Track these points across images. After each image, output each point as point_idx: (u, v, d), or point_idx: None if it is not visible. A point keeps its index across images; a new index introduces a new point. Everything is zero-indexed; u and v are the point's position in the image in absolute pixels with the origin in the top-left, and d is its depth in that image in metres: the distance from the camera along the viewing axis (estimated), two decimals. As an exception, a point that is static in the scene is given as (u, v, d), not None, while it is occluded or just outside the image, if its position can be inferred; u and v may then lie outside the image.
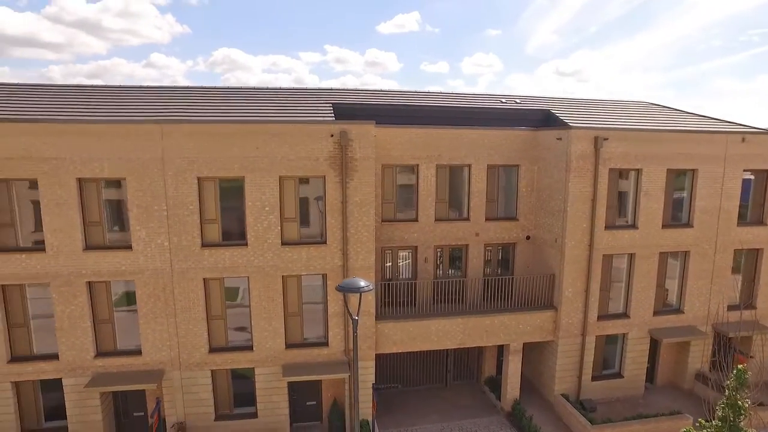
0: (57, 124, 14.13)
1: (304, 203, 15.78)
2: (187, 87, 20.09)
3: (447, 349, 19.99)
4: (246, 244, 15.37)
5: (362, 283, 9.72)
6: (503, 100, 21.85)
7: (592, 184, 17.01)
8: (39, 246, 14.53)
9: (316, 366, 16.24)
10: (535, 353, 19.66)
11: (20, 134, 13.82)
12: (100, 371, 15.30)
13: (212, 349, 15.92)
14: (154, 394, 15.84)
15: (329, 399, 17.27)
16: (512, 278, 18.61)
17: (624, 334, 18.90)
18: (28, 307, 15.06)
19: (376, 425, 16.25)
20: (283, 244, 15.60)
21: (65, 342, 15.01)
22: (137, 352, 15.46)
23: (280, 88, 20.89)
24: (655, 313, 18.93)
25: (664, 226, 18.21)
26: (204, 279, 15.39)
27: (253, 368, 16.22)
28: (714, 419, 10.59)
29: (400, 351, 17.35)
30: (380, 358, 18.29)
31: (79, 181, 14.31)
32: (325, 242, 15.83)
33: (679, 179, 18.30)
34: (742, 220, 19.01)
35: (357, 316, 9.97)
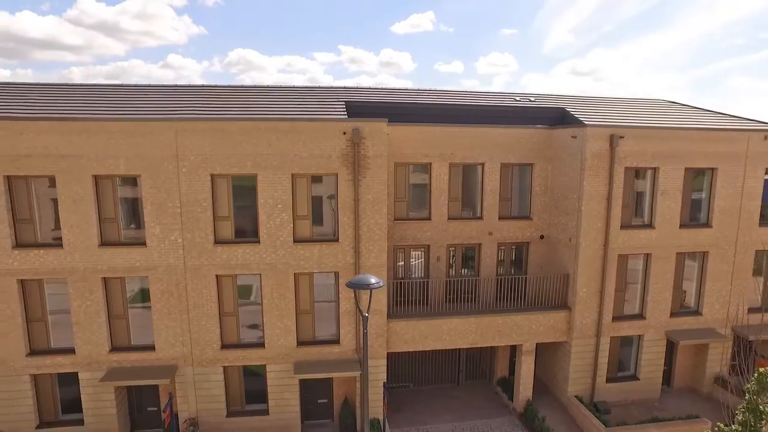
0: (74, 122, 14.34)
1: (316, 201, 15.81)
2: (202, 86, 20.27)
3: (459, 349, 19.90)
4: (258, 242, 15.45)
5: (372, 280, 9.66)
6: (517, 98, 21.64)
7: (608, 183, 16.76)
8: (56, 242, 14.78)
9: (328, 364, 16.25)
10: (548, 354, 19.43)
11: (39, 132, 14.07)
12: (114, 366, 15.51)
13: (224, 346, 16.02)
14: (167, 390, 15.99)
15: (340, 397, 17.27)
16: (525, 278, 18.43)
17: (640, 335, 18.59)
18: (46, 301, 15.31)
19: (387, 424, 16.20)
20: (296, 241, 15.64)
21: (81, 336, 15.24)
22: (151, 348, 15.63)
23: (294, 87, 20.97)
24: (672, 314, 18.58)
25: (681, 226, 17.88)
26: (217, 276, 15.50)
27: (265, 365, 16.29)
28: (734, 424, 10.35)
29: (411, 350, 17.30)
30: (392, 357, 18.25)
31: (95, 178, 14.52)
32: (337, 240, 15.84)
33: (698, 178, 17.95)
34: (764, 220, 18.58)
35: (367, 313, 9.91)
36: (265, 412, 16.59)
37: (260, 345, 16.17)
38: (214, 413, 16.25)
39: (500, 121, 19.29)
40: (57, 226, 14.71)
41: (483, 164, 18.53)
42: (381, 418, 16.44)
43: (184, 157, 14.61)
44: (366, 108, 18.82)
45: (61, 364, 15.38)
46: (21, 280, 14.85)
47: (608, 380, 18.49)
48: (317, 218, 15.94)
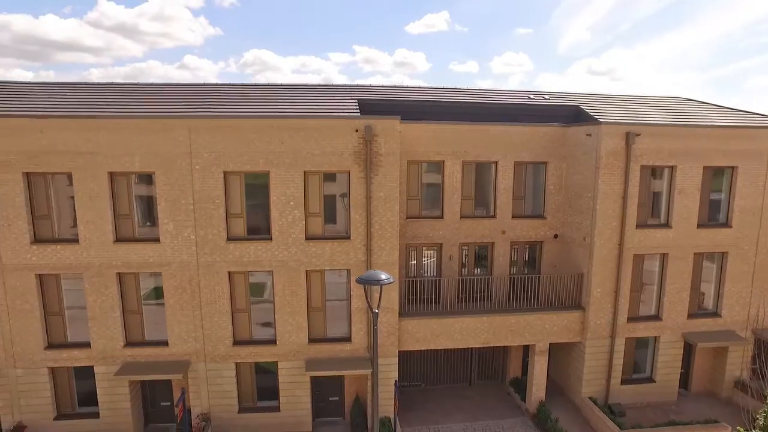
0: (90, 119, 14.57)
1: (328, 198, 15.81)
2: (216, 84, 20.47)
3: (471, 348, 19.77)
4: (270, 239, 15.51)
5: (383, 276, 9.61)
6: (531, 96, 21.44)
7: (623, 182, 16.49)
8: (73, 238, 15.03)
9: (339, 361, 16.26)
10: (561, 354, 19.19)
11: (57, 129, 14.32)
12: (129, 360, 15.71)
13: (236, 342, 16.12)
14: (180, 385, 16.15)
15: (351, 395, 17.26)
16: (539, 277, 18.22)
17: (656, 337, 18.25)
18: (63, 296, 15.58)
19: (398, 422, 16.14)
20: (307, 238, 15.68)
21: (96, 331, 15.47)
22: (164, 343, 15.80)
23: (307, 85, 21.04)
24: (690, 316, 18.21)
25: (699, 226, 17.52)
26: (229, 272, 15.60)
27: (276, 362, 16.35)
28: (754, 429, 10.10)
29: (423, 348, 17.21)
30: (404, 356, 18.19)
31: (111, 174, 14.73)
32: (348, 237, 15.83)
33: (717, 177, 17.57)
34: (787, 220, 18.10)
35: (377, 309, 9.87)
36: (277, 408, 16.65)
37: (272, 342, 16.23)
38: (226, 409, 16.36)
39: (514, 120, 19.13)
40: (73, 222, 14.96)
41: (496, 162, 18.37)
42: (392, 416, 16.39)
43: (198, 155, 14.74)
44: (379, 106, 18.80)
45: (78, 358, 15.63)
46: (39, 275, 15.13)
47: (623, 382, 18.18)
48: (329, 216, 15.95)
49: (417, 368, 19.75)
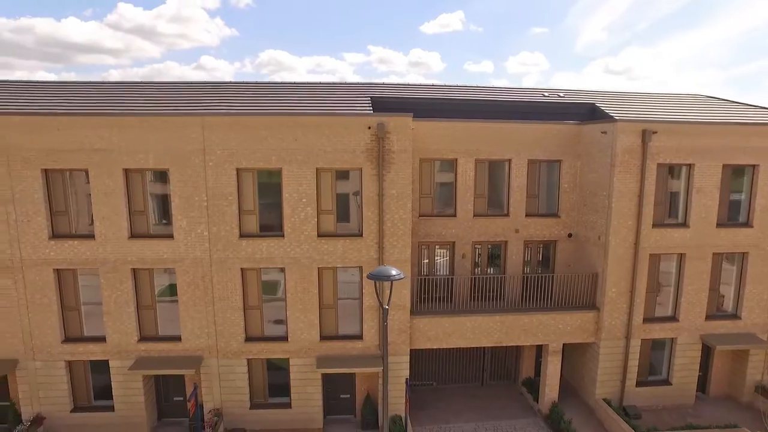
0: (106, 117, 14.78)
1: (340, 196, 15.81)
2: (230, 82, 20.63)
3: (484, 348, 19.63)
4: (283, 236, 15.57)
5: (393, 272, 9.62)
6: (546, 94, 21.19)
7: (639, 180, 16.21)
8: (89, 233, 15.26)
9: (350, 359, 16.25)
10: (575, 355, 18.94)
11: (74, 127, 14.55)
12: (143, 355, 15.90)
13: (248, 338, 16.21)
14: (193, 380, 16.29)
15: (363, 393, 17.24)
16: (552, 276, 18.00)
17: (672, 338, 17.90)
18: (79, 291, 15.82)
19: (409, 421, 16.08)
20: (320, 236, 15.70)
21: (111, 326, 15.68)
22: (177, 339, 15.95)
23: (319, 83, 21.10)
24: (708, 317, 17.82)
25: (718, 225, 17.13)
26: (241, 269, 15.69)
27: (288, 359, 16.41)
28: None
29: (434, 347, 17.13)
30: (415, 354, 18.13)
31: (126, 171, 14.92)
32: (361, 235, 15.81)
33: (737, 175, 17.17)
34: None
35: (387, 305, 9.86)
36: (288, 405, 16.71)
37: (284, 338, 16.29)
38: (237, 405, 16.46)
39: (528, 117, 18.94)
40: (90, 218, 15.19)
41: (510, 160, 18.21)
42: (403, 415, 16.34)
43: (211, 152, 14.85)
44: (392, 103, 18.77)
45: (93, 352, 15.87)
46: (57, 269, 15.39)
47: (638, 384, 17.87)
48: (341, 213, 15.95)
49: (429, 367, 19.66)
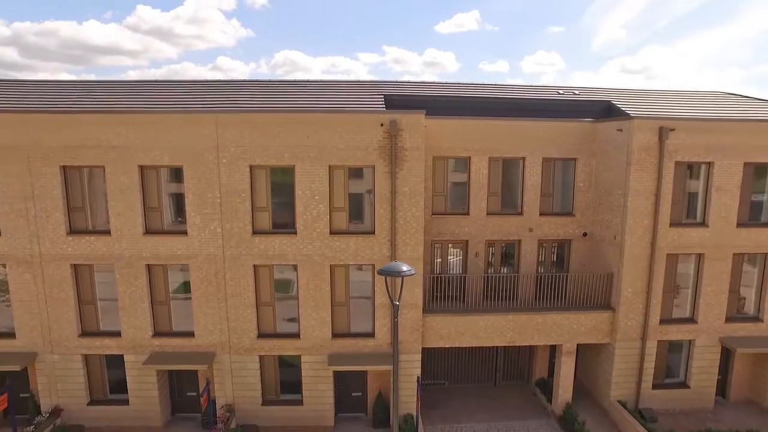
0: (123, 114, 15.01)
1: (353, 193, 15.80)
2: (244, 80, 20.78)
3: (497, 348, 19.47)
4: (295, 233, 15.61)
5: (404, 268, 9.56)
6: (561, 92, 20.96)
7: (656, 178, 15.92)
8: (105, 229, 15.49)
9: (362, 357, 16.24)
10: (590, 356, 18.68)
11: (92, 124, 14.80)
12: (157, 350, 16.08)
13: (261, 335, 16.29)
14: (205, 376, 16.42)
15: (374, 391, 17.20)
16: (566, 276, 17.77)
17: (690, 340, 17.54)
18: (95, 286, 16.07)
19: (420, 419, 16.00)
20: (332, 233, 15.71)
21: (126, 321, 15.90)
22: (190, 334, 16.09)
23: (333, 81, 21.16)
24: (728, 319, 17.42)
25: (739, 225, 16.73)
26: (254, 266, 15.77)
27: (300, 356, 16.45)
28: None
29: (447, 346, 17.01)
30: (428, 353, 18.07)
31: (141, 168, 15.11)
32: (373, 232, 15.78)
33: (759, 174, 16.75)
34: (835, 219, 17.13)
35: (398, 301, 9.81)
36: (300, 402, 16.75)
37: (295, 335, 16.33)
38: (249, 401, 16.55)
39: (542, 115, 18.75)
40: (106, 214, 15.42)
41: (524, 159, 18.03)
42: (415, 413, 16.26)
43: (225, 149, 14.97)
44: (405, 101, 18.74)
45: (109, 346, 16.10)
46: (74, 264, 15.65)
47: (654, 386, 17.53)
48: (354, 210, 15.95)
49: (441, 366, 19.56)
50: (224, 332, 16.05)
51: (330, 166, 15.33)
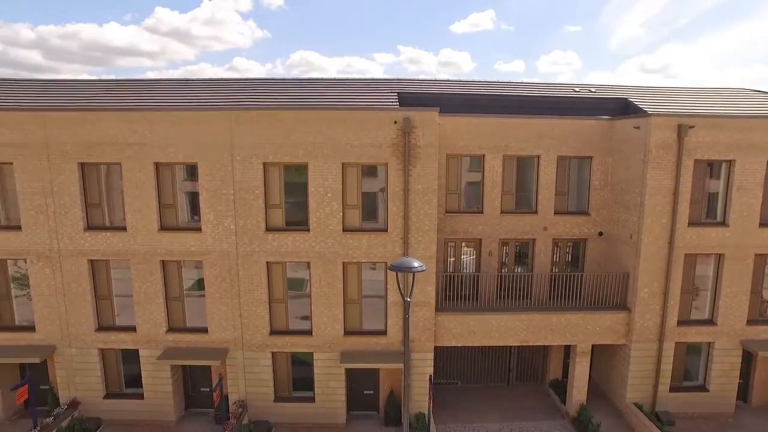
0: (139, 112, 15.20)
1: (366, 190, 15.80)
2: (259, 78, 20.91)
3: (510, 348, 19.29)
4: (308, 230, 15.65)
5: (415, 264, 9.52)
6: (576, 89, 20.68)
7: (674, 177, 15.61)
8: (121, 226, 15.71)
9: (374, 354, 16.21)
10: (605, 357, 18.39)
11: (109, 122, 15.03)
12: (171, 345, 16.26)
13: (273, 332, 16.36)
14: (218, 371, 16.54)
15: (386, 390, 17.16)
16: (581, 275, 17.52)
17: (709, 342, 17.16)
18: (111, 281, 16.32)
19: (432, 418, 15.91)
20: (345, 230, 15.72)
21: (141, 316, 16.11)
22: (204, 330, 16.25)
23: (347, 78, 21.17)
24: (749, 322, 16.99)
25: (761, 225, 16.31)
26: (267, 262, 15.85)
27: (312, 353, 16.48)
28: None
29: (459, 345, 16.91)
30: (441, 353, 17.99)
31: (156, 165, 15.30)
32: (386, 230, 15.76)
33: (783, 173, 16.30)
34: None
35: (409, 297, 9.77)
36: (311, 399, 16.79)
37: (308, 332, 16.37)
38: (262, 397, 16.64)
39: (557, 113, 18.52)
40: (122, 210, 15.64)
41: (538, 157, 17.84)
42: (427, 412, 16.18)
43: (239, 146, 15.08)
44: (418, 99, 18.67)
45: (124, 341, 16.33)
46: (91, 260, 15.91)
47: (672, 389, 17.18)
48: (366, 208, 15.94)
49: (454, 366, 19.45)
50: (237, 328, 16.16)
51: (343, 164, 15.34)
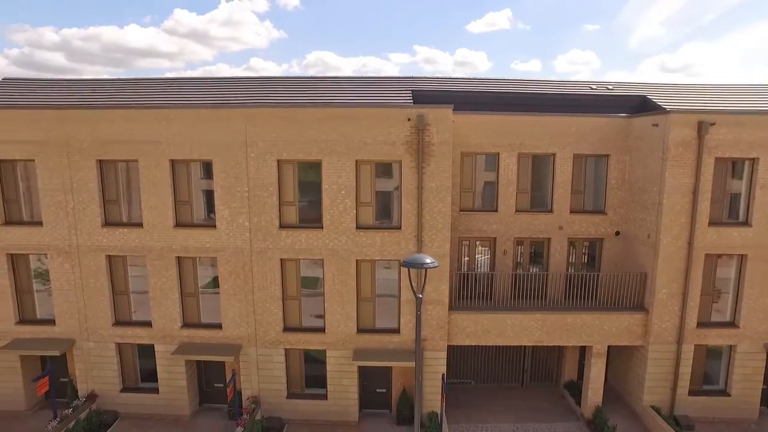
0: (155, 109, 15.40)
1: (379, 188, 15.77)
2: (274, 77, 21.02)
3: (524, 348, 19.09)
4: (321, 227, 15.68)
5: (427, 260, 9.46)
6: (593, 87, 20.38)
7: (694, 175, 15.26)
8: (137, 222, 15.94)
9: (387, 353, 16.17)
10: (621, 358, 18.08)
11: (127, 119, 15.27)
12: (185, 341, 16.44)
13: (286, 329, 16.42)
14: (232, 367, 16.67)
15: (399, 388, 17.11)
16: (597, 275, 17.23)
17: (731, 346, 16.74)
18: (128, 277, 16.56)
19: (445, 418, 15.82)
20: (358, 228, 15.71)
21: (157, 311, 16.31)
22: (218, 326, 16.38)
23: (361, 77, 21.16)
24: (773, 325, 16.54)
25: (785, 225, 15.87)
26: (281, 259, 15.93)
27: (325, 350, 16.51)
28: None
29: (473, 344, 16.78)
30: (454, 352, 17.86)
31: (172, 162, 15.48)
32: (399, 228, 15.71)
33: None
34: None
35: (421, 294, 9.71)
36: (324, 396, 16.81)
37: (321, 330, 16.40)
38: (275, 394, 16.72)
39: (574, 110, 18.27)
40: (138, 207, 15.86)
41: (554, 155, 17.62)
42: (439, 411, 16.09)
43: (253, 143, 15.18)
44: (433, 97, 18.59)
45: (140, 336, 16.56)
46: (108, 255, 16.18)
47: (691, 393, 16.79)
48: (380, 205, 15.91)
49: (467, 365, 19.31)
50: (251, 325, 16.27)
51: (357, 161, 15.34)
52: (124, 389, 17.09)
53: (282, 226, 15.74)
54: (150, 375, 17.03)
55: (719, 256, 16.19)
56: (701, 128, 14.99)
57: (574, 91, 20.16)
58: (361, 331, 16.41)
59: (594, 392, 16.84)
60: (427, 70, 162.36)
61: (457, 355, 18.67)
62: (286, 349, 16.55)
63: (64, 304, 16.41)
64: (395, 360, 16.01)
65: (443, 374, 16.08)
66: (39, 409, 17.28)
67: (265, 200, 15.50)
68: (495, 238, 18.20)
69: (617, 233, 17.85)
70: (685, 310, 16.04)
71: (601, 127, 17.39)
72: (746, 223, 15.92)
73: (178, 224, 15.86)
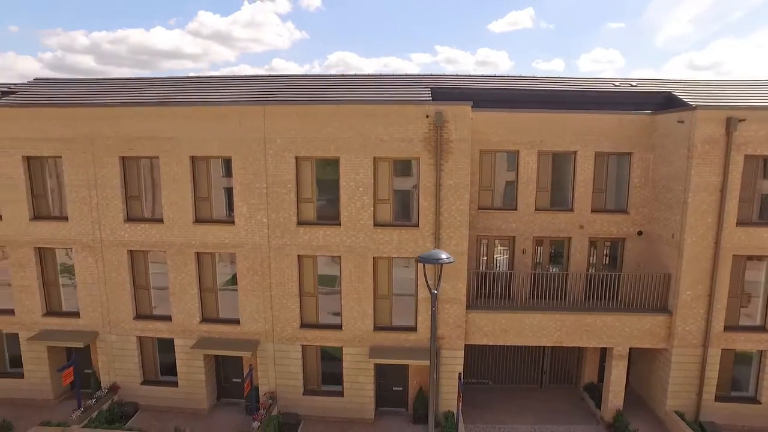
0: (176, 107, 15.68)
1: (397, 185, 15.71)
2: (293, 75, 21.15)
3: (544, 348, 18.82)
4: (339, 224, 15.70)
5: (443, 255, 9.36)
6: (616, 83, 19.96)
7: (722, 173, 14.80)
8: (158, 218, 16.20)
9: (403, 351, 16.10)
10: (643, 361, 17.64)
11: (149, 117, 15.55)
12: (204, 336, 16.64)
13: (303, 325, 16.49)
14: (249, 362, 16.79)
15: (415, 386, 17.01)
16: (619, 276, 16.85)
17: (761, 351, 16.18)
18: (149, 272, 16.85)
19: (461, 417, 15.66)
20: (376, 225, 15.68)
21: (177, 306, 16.55)
22: (236, 322, 16.54)
23: (380, 75, 21.14)
24: (806, 330, 15.93)
25: (819, 226, 15.27)
26: (298, 256, 16.00)
27: (341, 347, 16.52)
28: None
29: (491, 344, 16.60)
30: (472, 352, 17.67)
31: (192, 159, 15.69)
32: (417, 225, 15.64)
33: (842, 170, 15.24)
34: None
35: (436, 289, 9.62)
36: (340, 393, 16.81)
37: (338, 327, 16.41)
38: (291, 390, 16.79)
39: (596, 107, 17.94)
40: (159, 203, 16.12)
41: (575, 153, 17.31)
42: (455, 411, 15.94)
43: (272, 140, 15.28)
44: (452, 94, 18.48)
45: (160, 330, 16.83)
46: (130, 250, 16.48)
47: (717, 398, 16.28)
48: (398, 203, 15.86)
49: (485, 365, 19.11)
50: (268, 321, 16.38)
51: (375, 158, 15.31)
52: (145, 382, 17.39)
53: (300, 223, 15.80)
54: (170, 368, 17.30)
55: (748, 257, 15.68)
56: (729, 125, 14.53)
57: (595, 87, 19.79)
58: (377, 328, 16.37)
59: (615, 395, 16.46)
60: (449, 70, 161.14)
61: (474, 354, 18.48)
62: (302, 346, 16.62)
63: (88, 298, 16.79)
64: (412, 358, 15.93)
65: (460, 373, 15.93)
66: (64, 399, 17.72)
67: (284, 197, 15.58)
68: (514, 237, 17.97)
69: (640, 233, 17.43)
70: (711, 313, 15.57)
71: (624, 124, 17.02)
72: (777, 223, 15.39)
73: (198, 220, 16.06)
